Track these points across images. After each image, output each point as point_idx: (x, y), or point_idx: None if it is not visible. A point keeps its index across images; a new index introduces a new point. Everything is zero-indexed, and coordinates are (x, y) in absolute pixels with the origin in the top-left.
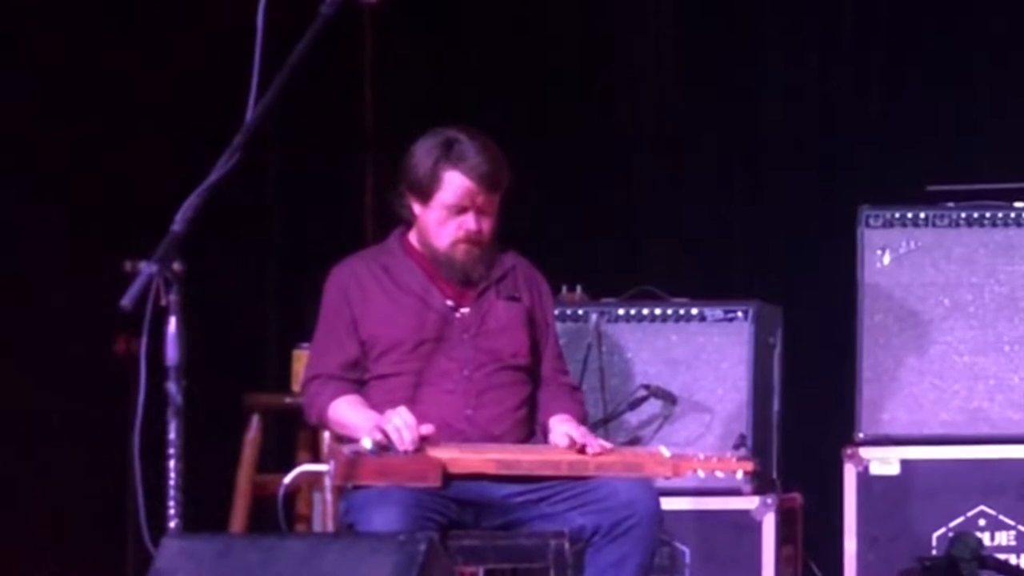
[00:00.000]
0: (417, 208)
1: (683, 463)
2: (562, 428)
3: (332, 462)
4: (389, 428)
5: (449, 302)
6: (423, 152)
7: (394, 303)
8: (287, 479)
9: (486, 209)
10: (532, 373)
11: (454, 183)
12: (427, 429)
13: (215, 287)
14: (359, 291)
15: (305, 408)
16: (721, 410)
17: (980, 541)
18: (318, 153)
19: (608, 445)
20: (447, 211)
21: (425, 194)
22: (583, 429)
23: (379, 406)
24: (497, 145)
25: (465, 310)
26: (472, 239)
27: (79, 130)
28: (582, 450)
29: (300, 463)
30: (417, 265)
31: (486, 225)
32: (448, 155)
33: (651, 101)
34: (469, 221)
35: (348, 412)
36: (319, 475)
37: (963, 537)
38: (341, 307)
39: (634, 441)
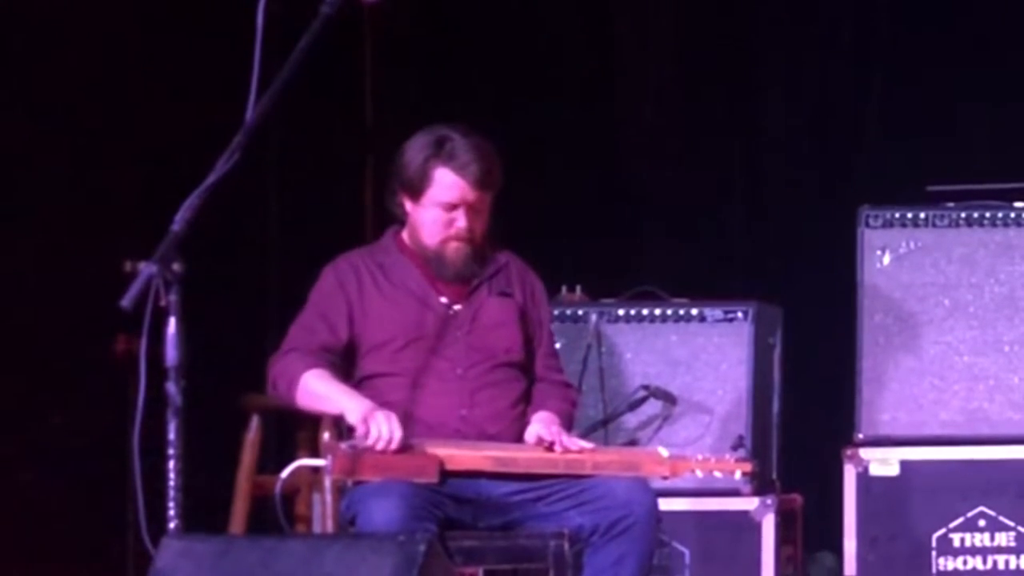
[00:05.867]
0: (409, 206)
1: (681, 463)
2: (534, 427)
3: (329, 457)
4: (371, 424)
5: (443, 299)
6: (414, 150)
7: (389, 300)
8: (284, 473)
9: (477, 207)
10: (526, 369)
11: (445, 181)
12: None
13: (215, 287)
14: (356, 287)
15: (274, 378)
16: (721, 411)
17: None
18: (318, 153)
19: (587, 445)
20: (438, 209)
21: (416, 192)
22: (556, 427)
23: None
24: (490, 143)
25: (458, 307)
26: (462, 237)
27: (79, 130)
28: (549, 448)
29: None
30: (412, 263)
31: (477, 223)
32: (439, 153)
33: (651, 102)
34: (460, 219)
35: (323, 384)
36: (317, 471)
37: None
38: (336, 296)
39: (633, 442)
